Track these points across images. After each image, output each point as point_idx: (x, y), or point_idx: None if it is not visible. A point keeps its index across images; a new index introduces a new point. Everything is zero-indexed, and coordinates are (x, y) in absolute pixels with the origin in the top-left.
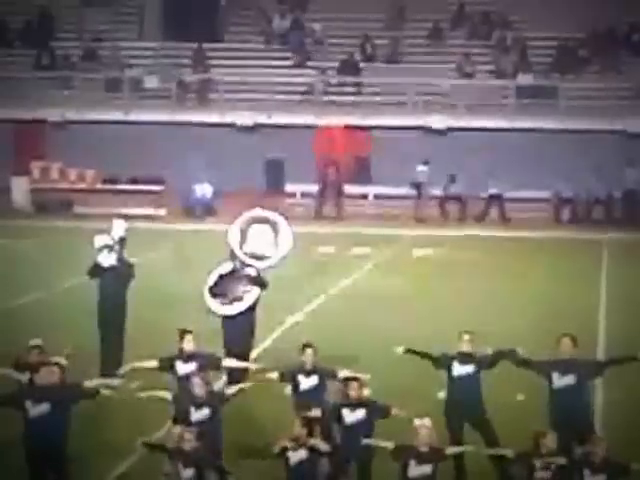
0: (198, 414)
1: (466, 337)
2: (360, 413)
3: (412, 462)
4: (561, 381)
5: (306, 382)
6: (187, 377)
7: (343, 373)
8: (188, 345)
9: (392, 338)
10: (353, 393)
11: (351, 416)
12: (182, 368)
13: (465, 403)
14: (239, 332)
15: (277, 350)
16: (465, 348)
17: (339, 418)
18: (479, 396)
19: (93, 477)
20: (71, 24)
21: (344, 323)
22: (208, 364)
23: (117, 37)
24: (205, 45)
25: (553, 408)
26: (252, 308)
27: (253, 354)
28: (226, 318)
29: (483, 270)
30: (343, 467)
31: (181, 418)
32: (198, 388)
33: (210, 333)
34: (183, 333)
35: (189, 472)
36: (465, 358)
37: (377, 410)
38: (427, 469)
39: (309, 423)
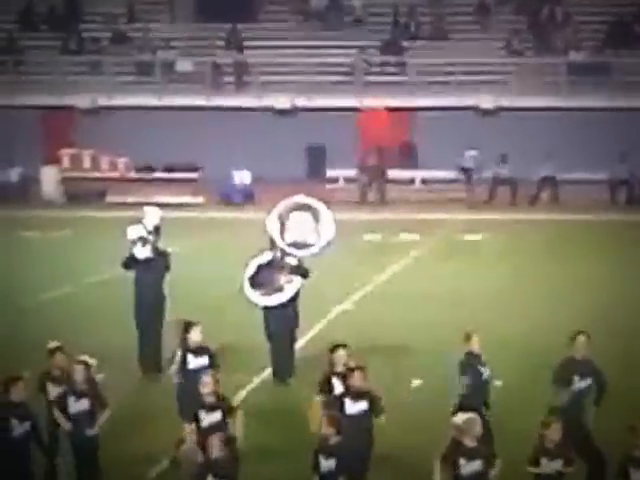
0: (210, 417)
1: (475, 338)
2: (362, 405)
3: (462, 460)
4: (580, 384)
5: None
6: (196, 371)
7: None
8: (197, 337)
9: (442, 327)
10: (356, 383)
11: (354, 407)
12: (193, 362)
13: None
14: (281, 324)
15: (323, 341)
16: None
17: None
18: None
19: None
20: (99, 6)
21: (392, 312)
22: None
23: (148, 18)
24: (240, 25)
25: (568, 410)
26: (294, 299)
27: (297, 345)
28: (267, 309)
29: (536, 255)
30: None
31: (188, 416)
32: (207, 388)
33: (251, 325)
34: (190, 325)
35: None
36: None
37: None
38: (478, 465)
39: (336, 422)
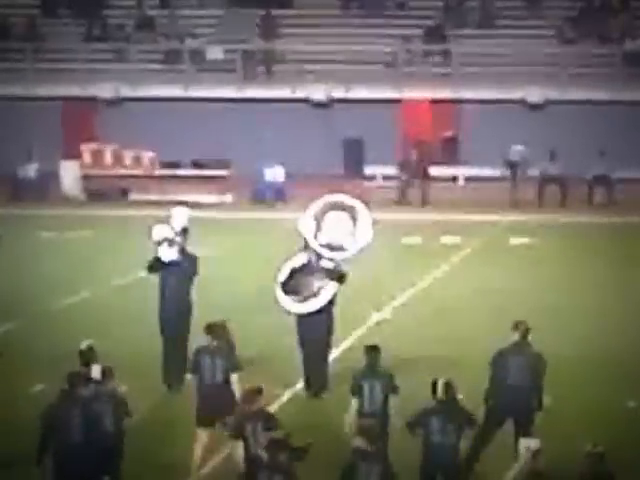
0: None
1: None
2: None
3: None
4: None
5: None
6: None
7: None
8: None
9: (486, 338)
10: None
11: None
12: None
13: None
14: (315, 332)
15: (359, 352)
16: None
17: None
18: None
19: None
20: None
21: (433, 321)
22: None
23: (176, 4)
24: (274, 11)
25: None
26: (329, 305)
27: (332, 355)
28: (301, 317)
29: (587, 260)
30: None
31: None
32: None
33: (283, 333)
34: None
35: None
36: None
37: None
38: None
39: (370, 433)
